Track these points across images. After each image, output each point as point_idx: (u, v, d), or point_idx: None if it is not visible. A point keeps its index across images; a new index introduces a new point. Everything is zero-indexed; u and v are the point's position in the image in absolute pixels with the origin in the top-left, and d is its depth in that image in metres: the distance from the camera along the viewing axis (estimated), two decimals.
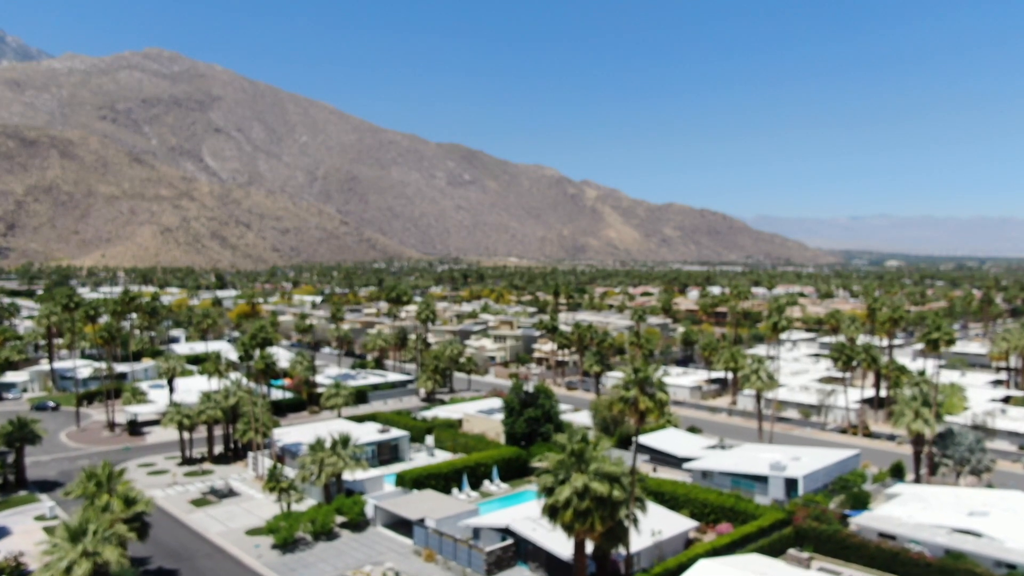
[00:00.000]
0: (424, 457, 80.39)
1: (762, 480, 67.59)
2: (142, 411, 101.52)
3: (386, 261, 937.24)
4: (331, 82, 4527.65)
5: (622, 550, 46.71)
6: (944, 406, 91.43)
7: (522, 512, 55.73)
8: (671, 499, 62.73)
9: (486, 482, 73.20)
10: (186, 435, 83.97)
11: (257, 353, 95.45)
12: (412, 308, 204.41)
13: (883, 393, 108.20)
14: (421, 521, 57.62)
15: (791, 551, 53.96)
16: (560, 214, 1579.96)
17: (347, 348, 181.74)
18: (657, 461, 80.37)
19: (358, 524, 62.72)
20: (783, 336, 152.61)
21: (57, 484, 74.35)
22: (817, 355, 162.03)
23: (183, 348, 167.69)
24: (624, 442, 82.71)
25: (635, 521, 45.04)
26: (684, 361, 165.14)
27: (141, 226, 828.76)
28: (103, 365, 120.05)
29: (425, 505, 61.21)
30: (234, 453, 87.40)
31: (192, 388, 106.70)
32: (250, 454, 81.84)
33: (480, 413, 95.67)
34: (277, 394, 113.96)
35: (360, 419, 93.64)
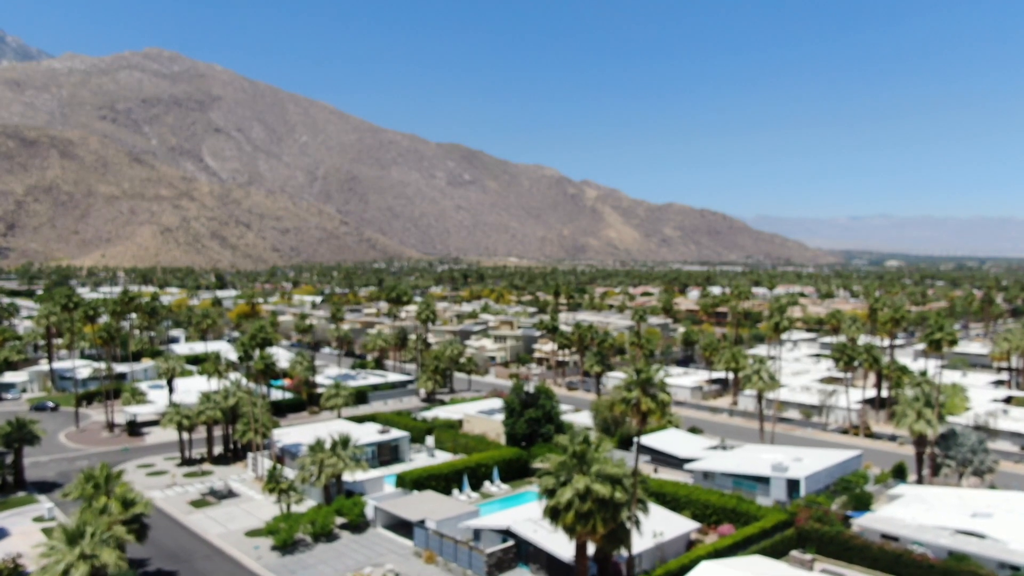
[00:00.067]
0: (424, 458, 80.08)
1: (764, 481, 67.30)
2: (141, 411, 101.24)
3: (386, 261, 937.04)
4: (331, 82, 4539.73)
5: (624, 552, 46.40)
6: (946, 407, 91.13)
7: (523, 513, 55.44)
8: (672, 500, 62.43)
9: (487, 483, 72.91)
10: (185, 436, 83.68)
11: (257, 353, 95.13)
12: (412, 308, 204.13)
13: (884, 393, 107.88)
14: (421, 522, 57.33)
15: (794, 553, 53.65)
16: (560, 214, 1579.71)
17: (347, 348, 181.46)
18: (658, 462, 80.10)
19: (358, 525, 62.43)
20: (784, 336, 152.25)
21: (56, 485, 74.09)
22: (818, 355, 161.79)
23: (183, 348, 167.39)
24: (625, 443, 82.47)
25: (637, 523, 44.75)
26: (685, 361, 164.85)
27: (141, 226, 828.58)
28: (102, 365, 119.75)
29: (425, 506, 60.91)
30: (233, 454, 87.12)
31: (192, 388, 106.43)
32: (250, 455, 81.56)
33: (480, 414, 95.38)
34: (277, 394, 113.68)
35: (360, 420, 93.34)
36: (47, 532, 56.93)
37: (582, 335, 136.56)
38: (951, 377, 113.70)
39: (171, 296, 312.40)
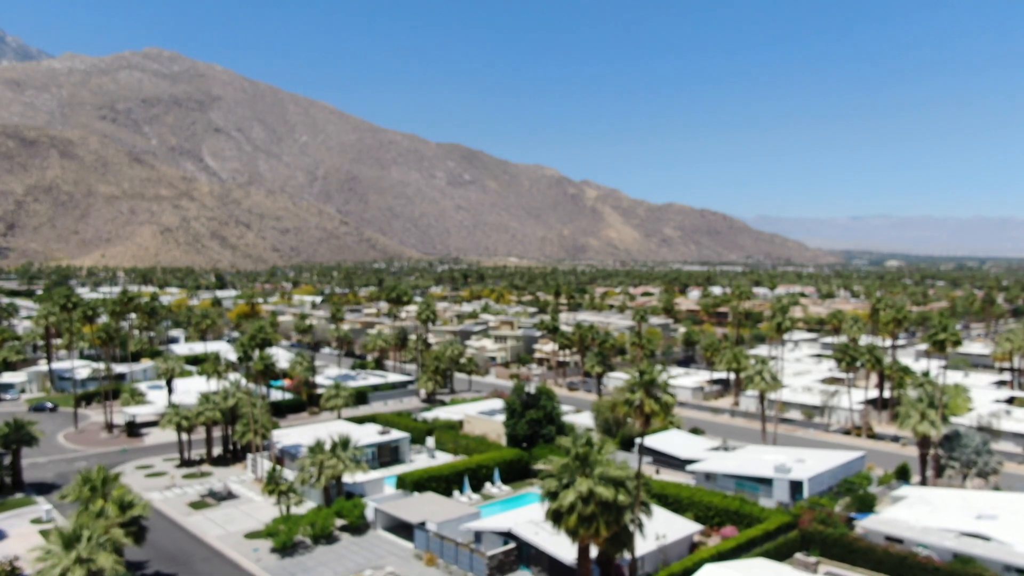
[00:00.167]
0: (425, 459, 79.64)
1: (766, 482, 66.84)
2: (140, 412, 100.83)
3: (386, 261, 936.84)
4: (331, 82, 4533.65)
5: (626, 554, 45.99)
6: (948, 407, 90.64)
7: (525, 515, 55.00)
8: (675, 502, 61.96)
9: (488, 484, 72.47)
10: (185, 437, 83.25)
11: (256, 354, 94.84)
12: (412, 308, 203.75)
13: (887, 394, 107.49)
14: (422, 524, 56.92)
15: (798, 555, 53.22)
16: (560, 214, 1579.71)
17: (347, 348, 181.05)
18: (660, 463, 79.65)
19: (358, 527, 62.00)
20: (785, 336, 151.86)
21: (54, 486, 73.68)
22: (819, 355, 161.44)
23: (182, 348, 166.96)
24: (626, 444, 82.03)
25: (640, 526, 44.33)
26: (685, 362, 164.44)
27: (141, 226, 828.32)
28: (101, 366, 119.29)
29: (426, 508, 60.50)
30: (233, 455, 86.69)
31: (191, 389, 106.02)
32: (249, 456, 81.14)
33: (481, 414, 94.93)
34: (276, 395, 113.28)
35: (360, 420, 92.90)
36: (45, 534, 56.46)
37: (583, 335, 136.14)
38: (953, 378, 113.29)
39: (171, 296, 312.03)
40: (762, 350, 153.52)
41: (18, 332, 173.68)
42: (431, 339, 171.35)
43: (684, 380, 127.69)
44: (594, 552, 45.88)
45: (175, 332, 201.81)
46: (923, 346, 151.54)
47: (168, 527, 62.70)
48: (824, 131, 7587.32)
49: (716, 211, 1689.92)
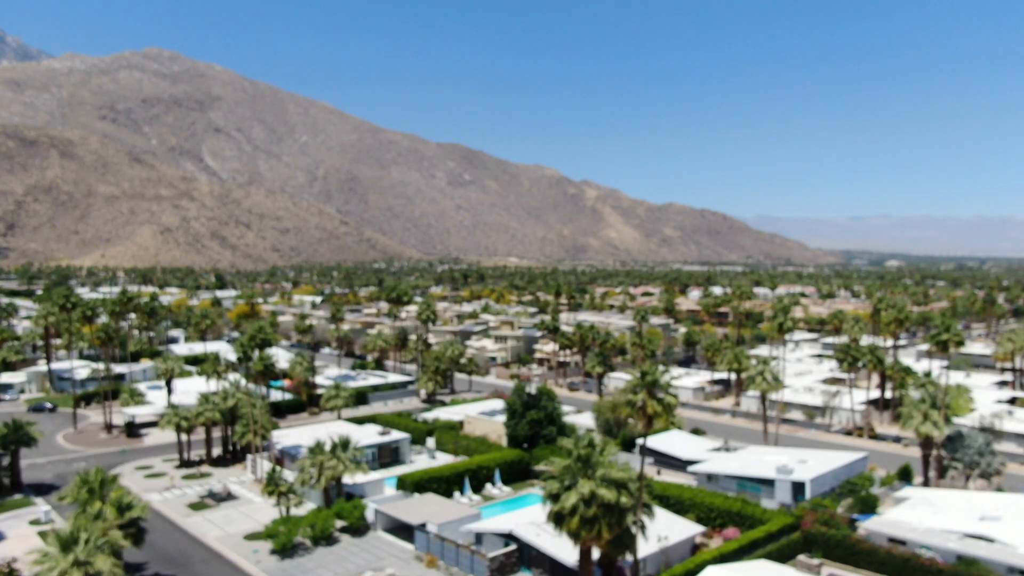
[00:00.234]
0: (425, 460, 79.34)
1: (768, 483, 66.55)
2: (140, 413, 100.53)
3: (386, 261, 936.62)
4: (331, 82, 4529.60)
5: (628, 557, 45.68)
6: (950, 408, 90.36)
7: (526, 517, 54.69)
8: (676, 503, 61.65)
9: (488, 485, 72.17)
10: (184, 437, 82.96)
11: (256, 354, 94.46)
12: (412, 308, 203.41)
13: (888, 394, 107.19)
14: (422, 526, 56.63)
15: (801, 557, 52.90)
16: (560, 214, 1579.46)
17: (347, 349, 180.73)
18: (661, 464, 79.34)
19: (358, 529, 61.70)
20: (785, 337, 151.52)
21: (53, 487, 73.40)
22: (820, 356, 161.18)
23: (182, 349, 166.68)
24: (627, 444, 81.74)
25: (643, 528, 44.01)
26: (686, 362, 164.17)
27: (141, 226, 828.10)
28: (101, 366, 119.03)
29: (426, 509, 60.21)
30: (232, 455, 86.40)
31: (191, 389, 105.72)
32: (249, 457, 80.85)
33: (482, 415, 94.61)
34: (276, 395, 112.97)
35: (360, 421, 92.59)
36: (43, 536, 56.18)
37: (583, 335, 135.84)
38: (954, 378, 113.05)
39: (171, 296, 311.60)
40: (763, 350, 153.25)
41: (17, 332, 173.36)
42: (431, 339, 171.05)
43: (685, 380, 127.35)
44: (596, 554, 45.57)
45: (175, 332, 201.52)
46: (924, 346, 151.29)
47: (167, 528, 62.41)
48: (824, 131, 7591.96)
49: (716, 211, 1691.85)
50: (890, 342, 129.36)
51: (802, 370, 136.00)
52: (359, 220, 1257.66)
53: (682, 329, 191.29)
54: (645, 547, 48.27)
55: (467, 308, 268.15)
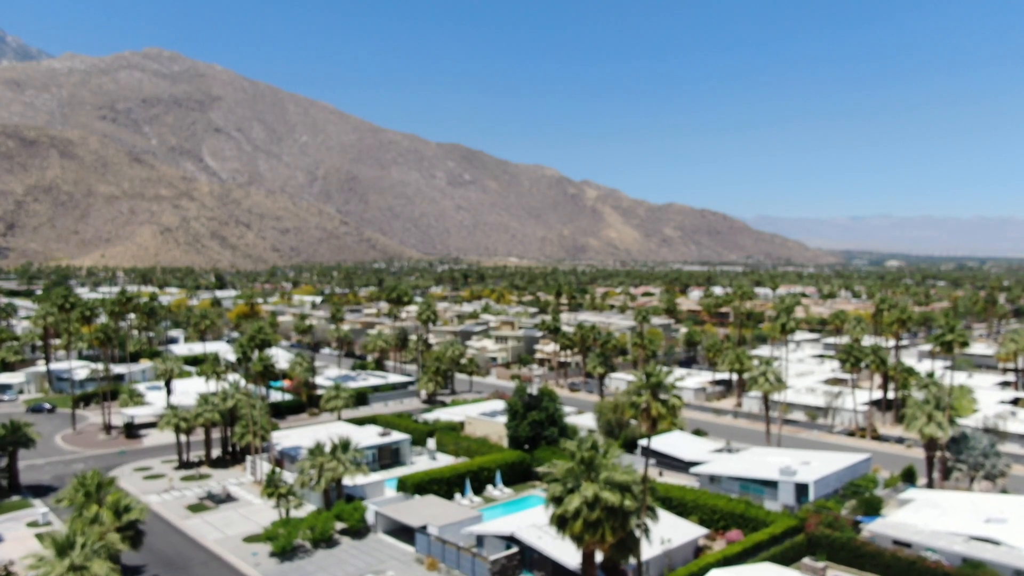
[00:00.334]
0: (426, 461, 78.89)
1: (771, 485, 66.09)
2: (139, 413, 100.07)
3: (386, 261, 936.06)
4: (331, 82, 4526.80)
5: (632, 560, 45.20)
6: (954, 409, 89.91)
7: (527, 519, 54.22)
8: (679, 505, 61.17)
9: (489, 487, 71.71)
10: (183, 438, 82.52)
11: (256, 354, 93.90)
12: (413, 308, 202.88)
13: (891, 395, 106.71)
14: (423, 528, 56.17)
15: (806, 560, 52.43)
16: (560, 214, 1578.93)
17: (347, 349, 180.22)
18: (663, 465, 78.86)
19: (358, 531, 61.23)
20: (787, 337, 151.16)
21: (51, 489, 72.93)
22: (822, 356, 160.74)
23: (181, 349, 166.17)
24: (629, 446, 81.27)
25: (646, 531, 43.53)
26: (687, 362, 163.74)
27: (141, 226, 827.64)
28: (100, 366, 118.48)
29: (427, 511, 59.75)
30: (232, 457, 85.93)
31: (190, 390, 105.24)
32: (248, 458, 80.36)
33: (482, 416, 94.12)
34: (276, 396, 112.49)
35: (360, 422, 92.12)
36: (41, 538, 55.77)
37: (584, 336, 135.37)
38: (957, 378, 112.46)
39: (170, 296, 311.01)
40: (764, 351, 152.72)
41: (16, 332, 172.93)
42: (432, 339, 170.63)
43: (686, 381, 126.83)
44: (599, 557, 45.11)
45: (174, 332, 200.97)
46: (926, 347, 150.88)
47: (166, 530, 61.95)
48: (824, 131, 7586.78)
49: (716, 211, 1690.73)
50: (892, 342, 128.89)
51: (804, 371, 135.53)
52: (359, 220, 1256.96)
53: (683, 329, 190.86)
54: (648, 550, 47.81)
55: (467, 308, 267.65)
